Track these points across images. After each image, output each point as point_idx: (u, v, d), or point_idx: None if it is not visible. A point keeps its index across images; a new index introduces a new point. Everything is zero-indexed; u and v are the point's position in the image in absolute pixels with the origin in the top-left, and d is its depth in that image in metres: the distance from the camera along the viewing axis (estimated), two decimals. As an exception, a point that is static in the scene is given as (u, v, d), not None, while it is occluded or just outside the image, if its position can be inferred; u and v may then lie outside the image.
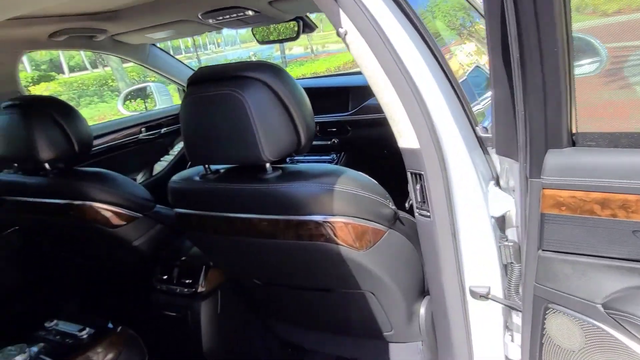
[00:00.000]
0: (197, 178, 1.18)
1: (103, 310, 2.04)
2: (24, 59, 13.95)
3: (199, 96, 1.07)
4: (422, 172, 1.00)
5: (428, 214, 1.03)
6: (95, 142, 2.14)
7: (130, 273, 1.78)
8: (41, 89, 12.56)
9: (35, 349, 1.14)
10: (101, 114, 10.68)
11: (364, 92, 2.24)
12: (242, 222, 1.12)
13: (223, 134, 1.05)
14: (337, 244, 1.07)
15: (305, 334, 1.60)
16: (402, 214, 1.25)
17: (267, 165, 1.09)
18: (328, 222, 1.04)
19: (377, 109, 2.14)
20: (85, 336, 1.19)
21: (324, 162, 2.32)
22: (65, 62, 16.84)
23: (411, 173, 1.03)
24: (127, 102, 2.72)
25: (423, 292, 1.35)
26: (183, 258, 1.60)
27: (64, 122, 1.52)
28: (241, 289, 1.57)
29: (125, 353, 1.23)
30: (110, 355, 1.19)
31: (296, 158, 2.29)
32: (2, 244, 1.85)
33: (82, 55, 16.50)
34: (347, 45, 1.00)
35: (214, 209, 1.15)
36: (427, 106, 0.95)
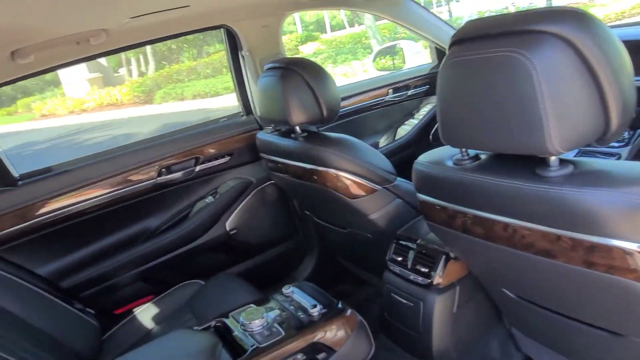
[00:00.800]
0: (450, 163, 0.95)
1: (336, 279, 2.09)
2: (297, 20, 15.83)
3: (464, 59, 0.82)
4: None
5: None
6: (343, 103, 2.12)
7: (366, 246, 1.72)
8: (307, 48, 14.08)
9: (272, 315, 1.15)
10: (353, 70, 11.34)
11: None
12: (504, 228, 0.85)
13: (494, 111, 0.78)
14: (656, 286, 0.71)
15: (563, 362, 1.26)
16: None
17: (553, 158, 0.78)
18: (646, 253, 0.69)
19: None
20: (316, 314, 1.15)
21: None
22: (329, 22, 18.40)
23: None
24: (378, 60, 2.64)
25: None
26: (419, 241, 1.43)
27: (315, 85, 1.49)
28: (484, 290, 1.32)
29: (352, 340, 1.15)
30: (337, 340, 1.13)
31: None
32: (259, 197, 2.03)
33: (342, 15, 17.71)
34: None
35: (467, 204, 0.92)
36: None
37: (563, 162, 0.79)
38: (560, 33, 0.72)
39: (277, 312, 1.18)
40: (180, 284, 1.74)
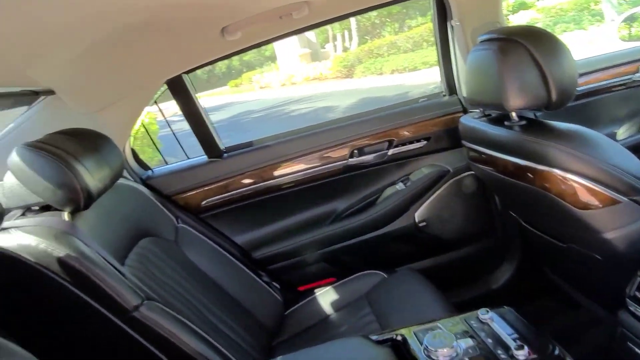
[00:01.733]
0: None
1: (538, 293, 1.74)
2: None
3: None
4: None
5: None
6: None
7: (590, 268, 1.35)
8: (519, 17, 12.61)
9: (463, 345, 0.94)
10: (572, 42, 9.72)
11: None
12: None
13: None
14: None
15: None
16: None
17: None
18: None
19: None
20: (522, 357, 0.90)
21: None
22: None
23: None
24: (625, 27, 2.07)
25: None
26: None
27: (544, 61, 1.16)
28: None
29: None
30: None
31: None
32: (455, 188, 1.79)
33: (566, -22, 15.34)
34: None
35: None
36: None
37: None
38: None
39: (470, 342, 0.96)
40: (362, 273, 1.66)
